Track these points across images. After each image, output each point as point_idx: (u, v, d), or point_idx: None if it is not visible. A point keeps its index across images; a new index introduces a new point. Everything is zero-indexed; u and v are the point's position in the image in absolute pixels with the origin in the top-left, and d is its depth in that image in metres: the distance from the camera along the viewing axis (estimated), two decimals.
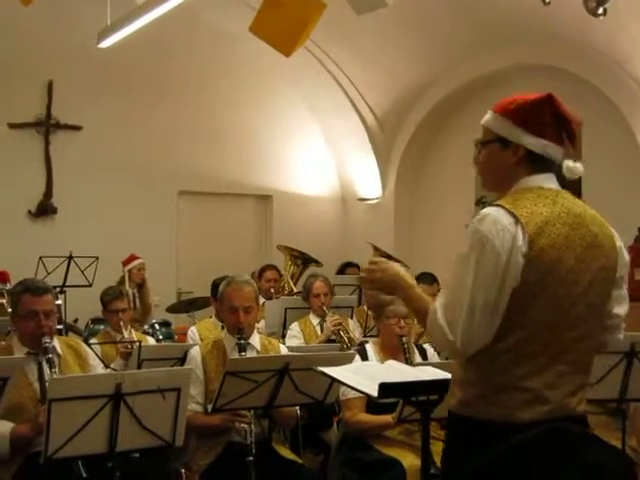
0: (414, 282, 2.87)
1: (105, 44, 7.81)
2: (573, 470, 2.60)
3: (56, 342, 4.42)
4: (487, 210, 2.61)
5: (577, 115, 2.81)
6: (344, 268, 9.31)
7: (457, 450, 2.73)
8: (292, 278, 8.76)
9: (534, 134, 2.73)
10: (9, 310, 5.89)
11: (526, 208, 2.60)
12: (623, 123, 7.78)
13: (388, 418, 4.49)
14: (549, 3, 5.48)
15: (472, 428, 2.64)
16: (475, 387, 2.64)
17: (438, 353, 5.01)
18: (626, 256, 2.79)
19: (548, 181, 2.74)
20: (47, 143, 9.54)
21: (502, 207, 2.60)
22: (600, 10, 5.59)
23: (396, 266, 2.91)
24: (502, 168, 2.79)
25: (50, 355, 4.22)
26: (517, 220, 2.55)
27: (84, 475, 3.83)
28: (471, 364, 2.64)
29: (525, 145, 2.73)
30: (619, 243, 2.76)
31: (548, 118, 2.75)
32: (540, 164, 2.74)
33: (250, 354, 4.80)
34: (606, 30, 6.57)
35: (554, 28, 7.54)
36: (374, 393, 2.79)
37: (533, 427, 2.54)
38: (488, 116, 2.89)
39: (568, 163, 2.77)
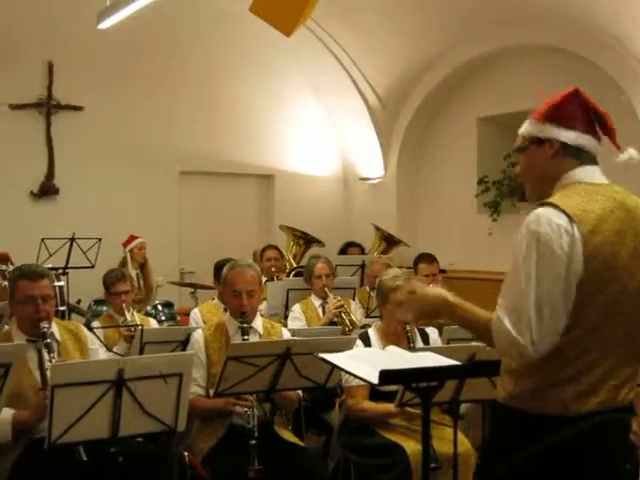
0: (457, 299, 2.80)
1: (104, 25, 7.79)
2: (621, 457, 2.64)
3: (55, 327, 4.41)
4: (540, 210, 2.58)
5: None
6: (346, 248, 9.32)
7: (501, 441, 2.75)
8: (294, 258, 8.78)
9: (565, 127, 2.74)
10: None
11: (579, 206, 2.58)
12: (628, 106, 7.75)
13: (390, 407, 4.47)
14: None
15: (521, 420, 2.66)
16: (530, 381, 2.64)
17: (447, 340, 5.01)
18: None
19: (595, 174, 2.74)
20: (48, 124, 9.52)
21: (554, 206, 2.58)
22: None
23: (435, 291, 2.89)
24: (542, 166, 2.80)
25: (48, 340, 4.22)
26: (571, 219, 2.53)
27: (84, 459, 3.85)
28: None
29: (558, 138, 2.74)
30: None
31: (577, 112, 2.76)
32: (578, 156, 2.74)
33: (253, 338, 4.82)
34: (611, 11, 6.53)
35: (558, 7, 7.50)
36: (375, 380, 2.79)
37: (584, 419, 2.56)
38: (524, 125, 2.87)
39: (629, 151, 2.77)
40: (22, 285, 4.33)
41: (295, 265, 8.41)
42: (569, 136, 2.74)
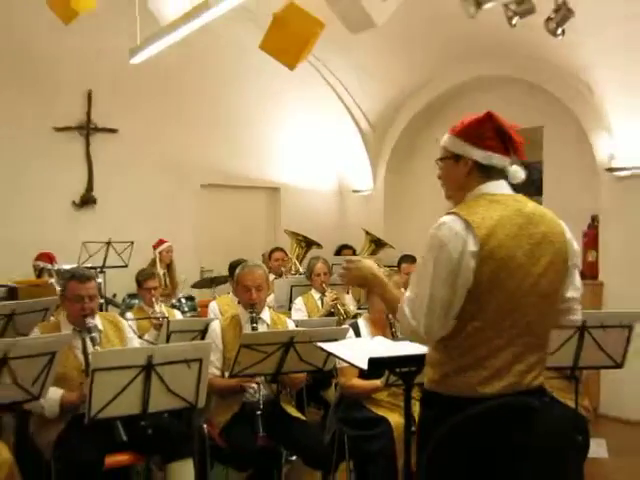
0: (382, 277, 2.87)
1: (136, 60, 7.79)
2: (520, 436, 2.59)
3: (98, 319, 4.45)
4: (444, 218, 2.60)
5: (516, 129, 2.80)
6: (341, 250, 9.32)
7: (428, 421, 2.73)
8: (297, 259, 8.79)
9: (479, 147, 2.74)
10: (58, 288, 5.96)
11: (478, 214, 2.59)
12: (577, 125, 7.78)
13: (377, 382, 4.50)
14: (515, 25, 5.47)
15: (440, 402, 2.65)
16: (442, 367, 2.65)
17: None
18: (576, 246, 2.76)
19: (499, 187, 2.73)
20: (88, 144, 9.51)
21: (457, 214, 2.60)
22: (559, 31, 5.56)
23: (370, 263, 2.92)
24: (457, 179, 2.81)
25: (94, 334, 4.28)
26: (469, 225, 2.54)
27: (124, 439, 3.90)
28: (438, 348, 2.65)
29: (472, 157, 2.74)
30: (569, 236, 2.74)
31: (490, 133, 2.75)
32: (488, 173, 2.74)
33: (261, 327, 4.86)
34: (564, 46, 6.55)
35: (517, 44, 7.52)
36: (364, 366, 2.83)
37: (489, 400, 2.55)
38: (445, 137, 2.87)
39: (511, 169, 2.79)
40: (72, 285, 4.38)
41: (301, 270, 8.40)
42: (481, 155, 2.74)
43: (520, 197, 2.75)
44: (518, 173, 2.78)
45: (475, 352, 2.58)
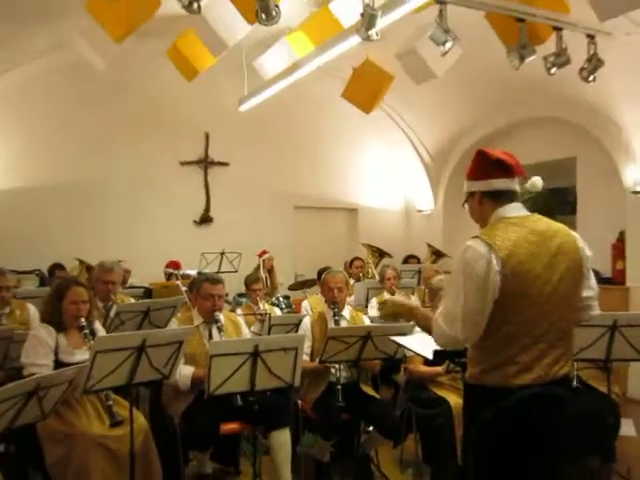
0: (418, 306, 2.90)
1: (243, 108, 7.91)
2: (553, 417, 2.55)
3: (221, 316, 4.51)
4: (469, 242, 2.55)
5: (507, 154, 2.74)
6: (407, 259, 9.23)
7: (471, 407, 2.69)
8: (373, 266, 8.74)
9: (481, 179, 2.70)
10: (183, 289, 6.06)
11: (498, 237, 2.53)
12: (608, 157, 7.56)
13: (439, 369, 4.46)
14: (553, 74, 5.35)
15: (480, 393, 2.60)
16: (480, 364, 2.59)
17: None
18: (588, 252, 2.66)
19: (514, 210, 2.66)
20: (206, 175, 9.67)
21: (480, 238, 2.54)
22: (591, 78, 5.43)
23: (400, 299, 2.95)
24: (476, 212, 2.76)
25: (220, 324, 4.38)
26: (491, 248, 2.48)
27: (240, 403, 3.93)
28: (477, 348, 2.60)
29: (478, 189, 2.70)
30: (581, 244, 2.66)
31: (486, 165, 2.69)
32: (498, 198, 2.67)
33: (342, 323, 4.84)
34: (596, 89, 6.37)
35: (556, 88, 7.35)
36: (430, 357, 2.79)
37: (522, 390, 2.50)
38: (465, 183, 2.82)
39: (528, 182, 2.73)
40: (205, 286, 4.48)
41: (376, 276, 8.35)
42: (483, 185, 2.69)
43: (534, 217, 2.68)
44: (535, 184, 2.73)
45: (507, 351, 2.52)
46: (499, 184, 2.66)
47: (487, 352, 2.56)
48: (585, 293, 2.68)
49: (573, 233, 2.69)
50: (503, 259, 2.46)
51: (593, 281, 2.72)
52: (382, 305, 2.96)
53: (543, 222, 2.65)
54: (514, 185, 2.70)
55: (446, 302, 2.58)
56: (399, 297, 2.93)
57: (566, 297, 2.58)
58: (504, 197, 2.67)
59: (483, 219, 2.73)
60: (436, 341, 2.62)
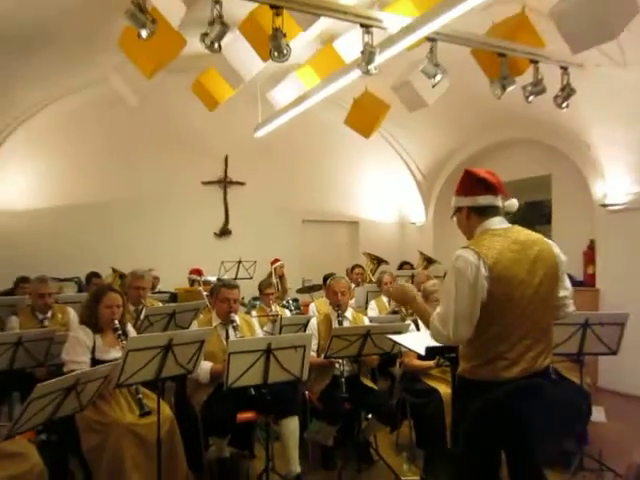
0: (420, 300, 2.85)
1: (258, 134, 7.94)
2: (534, 406, 2.55)
3: (236, 317, 4.50)
4: (460, 252, 2.56)
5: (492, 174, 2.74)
6: (402, 265, 9.16)
7: (462, 399, 2.68)
8: (371, 272, 8.71)
9: (467, 196, 2.70)
10: (204, 293, 6.05)
11: (484, 246, 2.54)
12: (579, 174, 7.53)
13: (430, 363, 4.44)
14: (530, 102, 5.35)
15: (471, 386, 2.60)
16: (471, 360, 2.60)
17: None
18: (563, 257, 2.68)
19: (498, 223, 2.66)
20: (225, 193, 9.67)
21: (469, 248, 2.55)
22: (564, 104, 5.42)
23: (409, 287, 2.90)
24: (464, 224, 2.76)
25: (235, 324, 4.35)
26: (479, 256, 2.50)
27: (253, 393, 3.92)
28: (468, 346, 2.61)
29: (465, 205, 2.70)
30: (557, 251, 2.67)
31: (472, 183, 2.70)
32: (483, 213, 2.67)
33: (345, 323, 4.82)
34: (568, 114, 6.35)
35: (533, 114, 7.34)
36: (422, 352, 2.77)
37: (509, 382, 2.51)
38: (453, 198, 2.82)
39: (506, 202, 2.72)
40: (223, 291, 4.46)
41: (371, 276, 8.33)
42: (470, 201, 2.69)
43: (515, 228, 2.68)
44: (512, 205, 2.73)
45: (496, 348, 2.53)
46: (483, 200, 2.67)
47: (478, 349, 2.56)
48: (561, 293, 2.68)
49: (549, 241, 2.70)
50: (490, 266, 2.47)
51: (567, 282, 2.73)
52: (396, 289, 2.94)
53: (523, 233, 2.66)
54: (497, 201, 2.69)
55: (440, 303, 2.59)
56: (411, 286, 2.90)
57: (545, 299, 2.59)
58: (488, 212, 2.67)
59: (469, 231, 2.73)
60: (433, 338, 2.61)
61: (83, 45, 6.88)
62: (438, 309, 2.58)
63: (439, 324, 2.53)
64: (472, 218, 2.69)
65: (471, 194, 2.68)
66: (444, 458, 4.15)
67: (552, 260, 2.62)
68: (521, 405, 2.51)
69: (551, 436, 2.76)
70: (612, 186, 7.08)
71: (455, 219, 2.81)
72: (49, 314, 5.01)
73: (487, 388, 2.53)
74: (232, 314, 4.41)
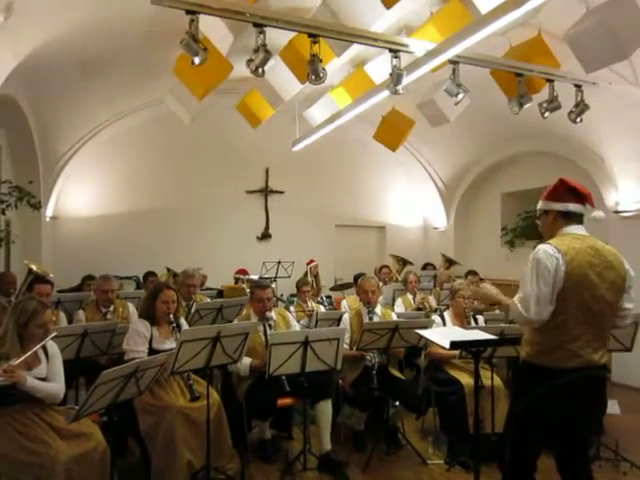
0: (498, 291, 2.81)
1: (296, 148, 7.94)
2: (599, 396, 2.57)
3: (273, 313, 4.48)
4: (540, 246, 2.57)
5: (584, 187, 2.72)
6: (425, 266, 9.07)
7: (523, 384, 2.64)
8: (397, 272, 8.62)
9: (558, 201, 2.67)
10: (248, 290, 6.07)
11: (565, 245, 2.55)
12: (593, 184, 7.30)
13: (455, 352, 4.37)
14: (546, 117, 5.22)
15: (534, 370, 2.58)
16: (537, 346, 2.58)
17: (485, 321, 4.81)
18: (632, 273, 2.67)
19: (578, 230, 2.66)
20: (266, 201, 9.71)
21: (550, 244, 2.56)
22: (578, 120, 5.29)
23: (486, 287, 2.87)
24: (548, 227, 2.73)
25: (270, 322, 4.32)
26: (559, 250, 2.51)
27: (288, 389, 3.90)
28: (536, 332, 2.59)
29: (554, 209, 2.68)
30: (627, 266, 2.67)
31: (564, 190, 2.67)
32: (569, 219, 2.66)
33: (375, 318, 4.76)
34: (582, 128, 6.19)
35: (549, 127, 7.18)
36: (447, 346, 2.72)
37: (573, 372, 2.49)
38: (539, 202, 2.78)
39: (594, 213, 2.72)
40: (257, 292, 4.44)
41: (399, 279, 8.24)
42: (560, 206, 2.66)
43: (592, 237, 2.68)
44: (599, 215, 2.73)
45: (560, 337, 2.52)
46: (573, 207, 2.66)
47: (543, 337, 2.55)
48: (626, 305, 2.67)
49: (621, 256, 2.69)
50: (567, 261, 2.50)
51: (632, 296, 2.70)
52: (477, 289, 2.90)
53: (599, 242, 2.67)
54: (583, 210, 2.69)
55: (521, 290, 2.57)
56: (490, 285, 2.87)
57: (610, 303, 2.58)
58: (574, 218, 2.67)
59: (551, 233, 2.72)
60: (514, 320, 2.60)
61: (143, 71, 7.01)
62: (519, 294, 2.57)
63: (521, 307, 2.52)
64: (558, 221, 2.68)
65: (562, 200, 2.67)
66: (465, 442, 4.08)
67: (622, 272, 2.63)
68: (589, 394, 2.52)
69: (593, 426, 2.75)
70: (624, 195, 6.87)
71: (538, 221, 2.80)
72: (111, 308, 5.07)
73: (547, 374, 2.51)
74: (267, 312, 4.37)
